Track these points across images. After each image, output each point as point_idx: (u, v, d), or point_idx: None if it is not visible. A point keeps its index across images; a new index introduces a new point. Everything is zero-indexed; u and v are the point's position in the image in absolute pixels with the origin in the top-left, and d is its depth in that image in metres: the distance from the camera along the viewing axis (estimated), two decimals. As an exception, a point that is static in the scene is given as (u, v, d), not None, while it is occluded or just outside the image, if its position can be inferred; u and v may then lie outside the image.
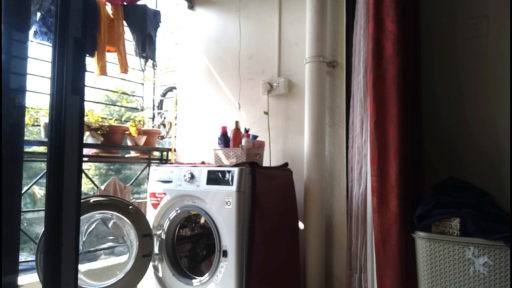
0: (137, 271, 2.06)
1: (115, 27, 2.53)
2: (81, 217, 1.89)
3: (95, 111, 2.73)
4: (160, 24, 2.82)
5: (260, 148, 2.28)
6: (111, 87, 3.33)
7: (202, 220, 2.37)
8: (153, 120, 3.48)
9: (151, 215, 2.19)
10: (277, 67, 2.55)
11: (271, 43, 2.58)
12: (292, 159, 2.39)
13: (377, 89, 1.72)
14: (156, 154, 3.21)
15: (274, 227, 2.02)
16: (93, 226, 2.17)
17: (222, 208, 1.89)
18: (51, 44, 1.19)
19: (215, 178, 1.96)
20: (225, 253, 1.86)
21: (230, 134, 2.30)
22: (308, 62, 2.23)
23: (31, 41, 2.18)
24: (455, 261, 1.48)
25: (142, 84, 3.48)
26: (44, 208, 1.13)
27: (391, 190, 1.66)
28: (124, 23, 2.60)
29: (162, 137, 3.31)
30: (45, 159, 1.18)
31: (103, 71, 2.47)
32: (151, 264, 2.13)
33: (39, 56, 2.38)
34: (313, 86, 2.20)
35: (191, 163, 2.36)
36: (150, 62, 2.83)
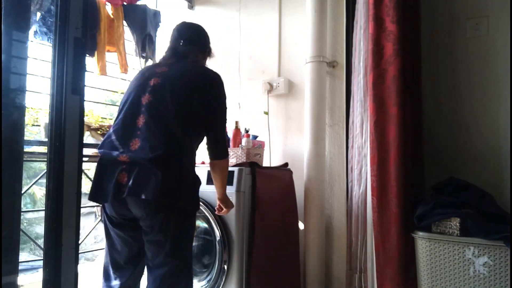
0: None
1: (115, 27, 2.52)
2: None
3: (95, 111, 2.72)
4: (160, 24, 2.82)
5: (260, 148, 2.28)
6: (111, 87, 3.33)
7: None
8: (153, 120, 3.46)
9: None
10: (277, 67, 2.54)
11: (271, 43, 2.58)
12: (292, 159, 2.39)
13: (377, 89, 1.72)
14: (156, 154, 3.19)
15: (274, 227, 2.02)
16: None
17: (222, 208, 1.89)
18: (51, 44, 1.19)
19: (215, 178, 1.96)
20: (225, 253, 1.86)
21: (230, 134, 2.30)
22: (308, 62, 2.22)
23: (31, 41, 2.18)
24: (455, 261, 1.48)
25: (142, 84, 3.47)
26: (44, 208, 1.13)
27: (391, 190, 1.66)
28: (124, 23, 2.60)
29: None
30: (45, 159, 1.18)
31: (103, 71, 2.47)
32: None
33: (39, 56, 2.37)
34: (313, 86, 2.20)
35: (191, 163, 2.35)
36: (150, 62, 2.83)
